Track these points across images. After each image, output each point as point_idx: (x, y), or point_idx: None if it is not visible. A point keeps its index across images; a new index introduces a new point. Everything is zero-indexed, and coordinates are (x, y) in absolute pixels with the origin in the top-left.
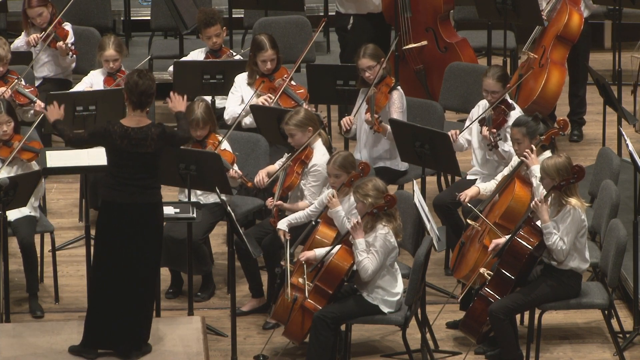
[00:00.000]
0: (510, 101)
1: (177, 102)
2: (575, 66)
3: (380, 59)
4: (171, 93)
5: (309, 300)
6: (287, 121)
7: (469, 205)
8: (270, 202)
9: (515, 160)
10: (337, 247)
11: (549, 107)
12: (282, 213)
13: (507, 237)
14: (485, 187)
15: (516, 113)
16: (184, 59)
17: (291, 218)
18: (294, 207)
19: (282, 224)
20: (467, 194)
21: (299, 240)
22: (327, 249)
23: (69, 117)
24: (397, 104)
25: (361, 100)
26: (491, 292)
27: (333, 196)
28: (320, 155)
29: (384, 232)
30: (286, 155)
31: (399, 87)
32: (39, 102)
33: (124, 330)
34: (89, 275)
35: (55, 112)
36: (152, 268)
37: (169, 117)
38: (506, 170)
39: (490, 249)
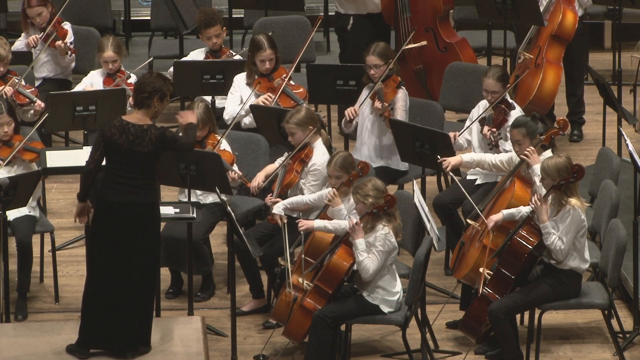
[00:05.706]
0: (510, 101)
1: (186, 115)
2: (571, 65)
3: (389, 59)
4: (180, 112)
5: (308, 300)
6: (288, 119)
7: (452, 174)
8: (269, 199)
9: (515, 158)
10: (334, 222)
11: (546, 107)
12: None
13: (505, 211)
14: (470, 158)
15: (516, 112)
16: (184, 59)
17: (287, 202)
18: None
19: (278, 208)
20: (449, 162)
21: (298, 241)
22: (326, 222)
23: (69, 117)
24: (402, 103)
25: (365, 95)
26: (491, 292)
27: (334, 195)
28: (320, 155)
29: (384, 232)
30: (286, 154)
31: (403, 87)
32: (39, 102)
33: (117, 330)
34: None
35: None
36: (147, 269)
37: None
38: (504, 157)
39: (490, 226)
